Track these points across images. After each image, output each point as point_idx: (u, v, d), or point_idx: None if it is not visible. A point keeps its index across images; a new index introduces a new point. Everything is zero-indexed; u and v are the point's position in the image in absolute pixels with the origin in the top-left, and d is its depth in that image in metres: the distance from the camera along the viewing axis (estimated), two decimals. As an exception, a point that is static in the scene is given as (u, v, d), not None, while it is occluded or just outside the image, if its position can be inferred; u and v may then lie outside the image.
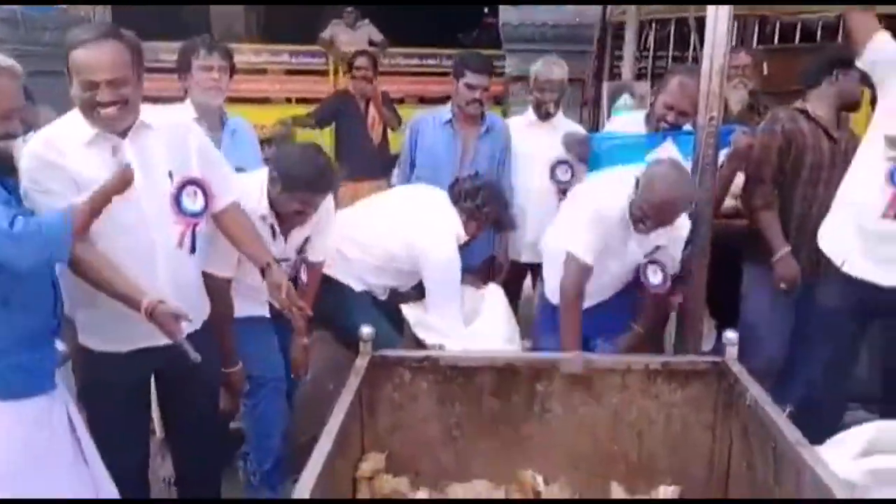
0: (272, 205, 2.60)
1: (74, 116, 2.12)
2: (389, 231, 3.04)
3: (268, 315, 2.78)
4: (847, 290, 2.74)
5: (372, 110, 5.08)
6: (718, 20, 2.29)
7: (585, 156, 3.15)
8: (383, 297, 3.14)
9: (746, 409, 2.19)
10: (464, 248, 3.08)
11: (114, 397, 2.29)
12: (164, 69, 4.48)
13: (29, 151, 2.06)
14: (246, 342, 2.66)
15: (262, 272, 2.41)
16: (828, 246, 2.80)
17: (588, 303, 2.79)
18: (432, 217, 3.05)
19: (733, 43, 5.82)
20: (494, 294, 3.19)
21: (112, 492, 2.22)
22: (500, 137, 3.50)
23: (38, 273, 1.99)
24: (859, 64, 2.71)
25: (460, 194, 3.08)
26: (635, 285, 2.80)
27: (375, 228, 3.06)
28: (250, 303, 2.71)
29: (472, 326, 2.98)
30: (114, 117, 2.09)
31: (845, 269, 2.73)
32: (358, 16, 7.93)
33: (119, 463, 2.28)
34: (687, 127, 2.92)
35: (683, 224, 2.72)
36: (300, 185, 2.54)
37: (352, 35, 7.76)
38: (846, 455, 2.22)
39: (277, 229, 2.66)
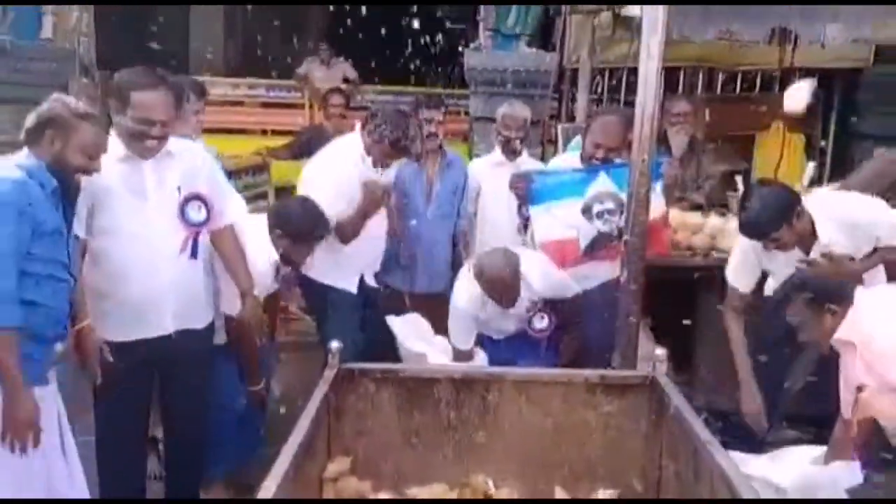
0: (284, 258, 2.95)
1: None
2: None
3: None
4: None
5: None
6: (649, 72, 2.60)
7: (523, 192, 3.42)
8: (372, 283, 3.48)
9: (672, 418, 2.44)
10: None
11: (118, 381, 2.58)
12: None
13: None
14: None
15: (242, 296, 2.78)
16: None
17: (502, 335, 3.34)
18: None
19: (681, 91, 6.27)
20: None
21: (82, 487, 2.46)
22: (460, 172, 3.84)
23: (51, 282, 2.27)
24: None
25: (366, 119, 3.43)
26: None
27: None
28: None
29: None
30: (155, 149, 2.56)
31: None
32: (332, 53, 8.23)
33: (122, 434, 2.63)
34: (619, 160, 3.28)
35: (542, 289, 3.23)
36: (312, 235, 2.97)
37: (326, 72, 8.04)
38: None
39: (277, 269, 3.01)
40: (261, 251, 2.95)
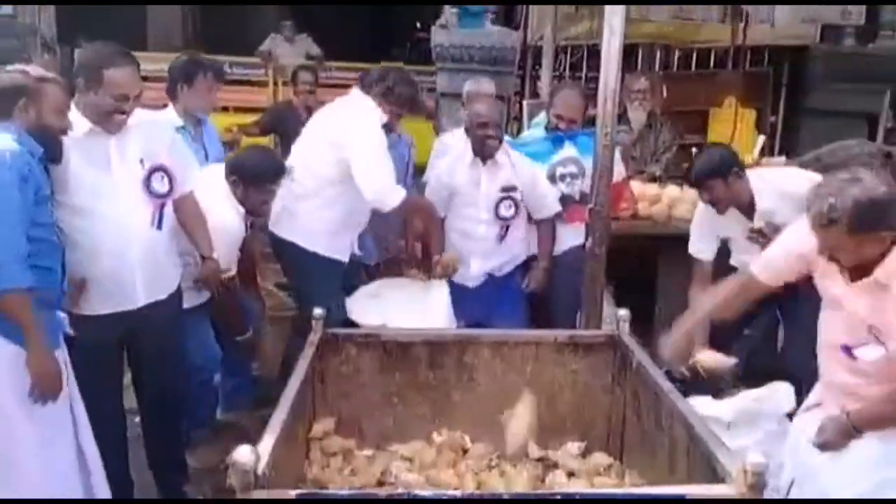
0: (242, 203, 2.99)
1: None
2: (315, 150, 3.39)
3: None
4: None
5: None
6: (612, 50, 2.76)
7: None
8: (345, 261, 3.50)
9: (635, 372, 2.62)
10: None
11: (91, 354, 2.66)
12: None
13: None
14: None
15: (203, 258, 2.91)
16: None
17: (482, 266, 3.52)
18: (347, 111, 3.40)
19: (639, 68, 6.48)
20: (439, 287, 3.52)
21: (89, 437, 2.58)
22: (405, 147, 4.05)
23: (50, 246, 2.39)
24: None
25: (370, 83, 3.38)
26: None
27: (305, 156, 3.43)
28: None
29: (413, 311, 3.36)
30: (123, 123, 2.62)
31: None
32: (296, 30, 8.23)
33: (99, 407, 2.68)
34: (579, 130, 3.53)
35: (522, 164, 3.44)
36: (269, 178, 3.02)
37: (290, 48, 8.03)
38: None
39: (247, 223, 3.08)
40: (230, 202, 3.06)
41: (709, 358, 2.82)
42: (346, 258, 3.52)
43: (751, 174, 3.16)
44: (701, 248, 3.27)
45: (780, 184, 3.12)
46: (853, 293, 2.22)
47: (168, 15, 9.45)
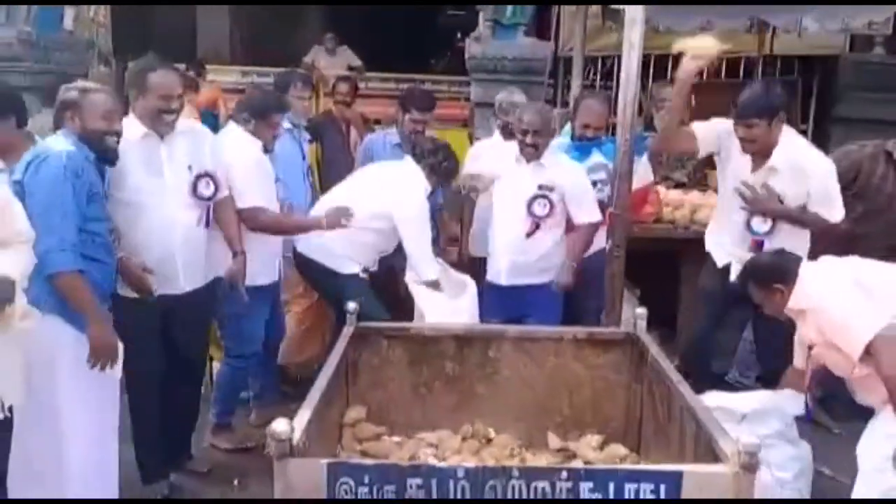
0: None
1: (126, 121, 2.85)
2: (366, 193, 3.62)
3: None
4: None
5: (353, 131, 5.65)
6: (630, 63, 2.91)
7: None
8: (375, 268, 3.71)
9: (651, 368, 2.73)
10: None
11: (135, 333, 2.90)
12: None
13: None
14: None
15: (234, 254, 3.20)
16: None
17: (518, 281, 3.58)
18: (400, 174, 3.65)
19: (669, 77, 6.56)
20: (471, 286, 3.70)
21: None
22: None
23: (100, 241, 2.65)
24: (702, 155, 3.44)
25: (422, 153, 3.66)
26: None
27: (353, 195, 3.63)
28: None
29: (453, 303, 3.54)
30: (173, 124, 2.92)
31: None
32: (337, 42, 8.49)
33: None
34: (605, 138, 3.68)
35: (566, 168, 3.55)
36: (274, 109, 3.39)
37: (331, 60, 8.29)
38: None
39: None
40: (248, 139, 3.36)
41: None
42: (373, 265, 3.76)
43: (787, 131, 3.27)
44: (699, 126, 3.46)
45: (802, 156, 3.27)
46: None
47: (216, 29, 9.84)
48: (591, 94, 4.16)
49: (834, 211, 3.28)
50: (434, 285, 3.51)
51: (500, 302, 3.66)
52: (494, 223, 3.73)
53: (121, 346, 2.68)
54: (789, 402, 2.88)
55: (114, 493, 2.75)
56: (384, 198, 3.57)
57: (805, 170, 3.25)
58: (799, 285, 2.71)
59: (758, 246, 3.26)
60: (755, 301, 2.91)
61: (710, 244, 3.49)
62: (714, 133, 3.38)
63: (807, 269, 2.76)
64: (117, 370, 2.67)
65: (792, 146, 3.28)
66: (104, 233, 2.68)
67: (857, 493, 2.53)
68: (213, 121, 6.25)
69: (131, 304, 2.90)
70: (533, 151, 3.54)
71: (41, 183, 2.49)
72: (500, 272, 3.68)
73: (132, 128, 2.87)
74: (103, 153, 2.67)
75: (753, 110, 3.17)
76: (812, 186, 3.26)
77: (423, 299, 3.50)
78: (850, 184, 3.52)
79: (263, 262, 3.41)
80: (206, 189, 3.03)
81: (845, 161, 3.57)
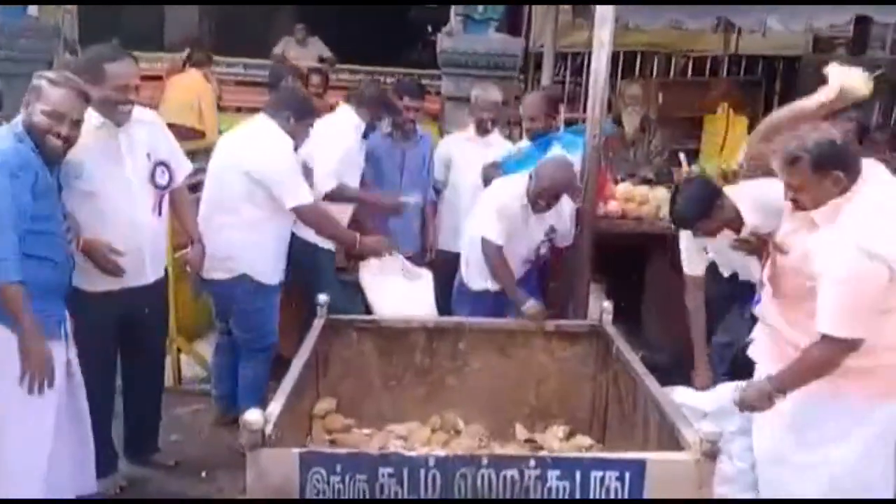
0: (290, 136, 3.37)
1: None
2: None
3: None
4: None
5: None
6: (600, 61, 2.96)
7: (497, 177, 3.74)
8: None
9: (616, 360, 2.80)
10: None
11: (95, 330, 2.88)
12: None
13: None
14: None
15: (192, 241, 3.19)
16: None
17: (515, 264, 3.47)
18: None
19: (638, 74, 6.69)
20: (426, 278, 3.64)
21: (86, 425, 2.77)
22: (427, 146, 4.21)
23: (51, 238, 2.54)
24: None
25: (352, 95, 3.84)
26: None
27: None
28: None
29: (404, 292, 3.48)
30: (130, 113, 2.85)
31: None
32: (308, 33, 8.44)
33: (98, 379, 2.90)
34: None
35: (566, 203, 3.44)
36: (312, 115, 3.48)
37: (302, 51, 8.23)
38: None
39: None
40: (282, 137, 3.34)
41: None
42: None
43: (730, 191, 3.14)
44: (694, 267, 3.30)
45: (761, 196, 3.21)
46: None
47: (185, 18, 9.69)
48: (532, 92, 4.25)
49: None
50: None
51: (481, 303, 3.64)
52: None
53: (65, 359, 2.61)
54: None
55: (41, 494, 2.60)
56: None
57: (775, 203, 2.85)
58: (846, 201, 2.34)
59: None
60: (789, 182, 2.43)
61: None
62: (695, 248, 3.32)
63: (868, 189, 2.36)
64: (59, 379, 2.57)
65: (748, 197, 3.12)
66: (56, 230, 2.57)
67: None
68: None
69: (93, 297, 2.86)
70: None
71: None
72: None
73: (87, 117, 2.73)
74: (42, 151, 2.51)
75: (689, 220, 3.05)
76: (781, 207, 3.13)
77: (374, 292, 3.46)
78: None
79: (277, 261, 3.42)
80: (161, 178, 3.00)
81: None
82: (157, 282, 3.08)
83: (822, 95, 2.95)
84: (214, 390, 3.68)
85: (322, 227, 3.47)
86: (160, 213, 3.03)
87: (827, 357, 2.32)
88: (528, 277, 3.62)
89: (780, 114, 3.16)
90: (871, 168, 2.42)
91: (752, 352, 2.74)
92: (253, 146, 3.29)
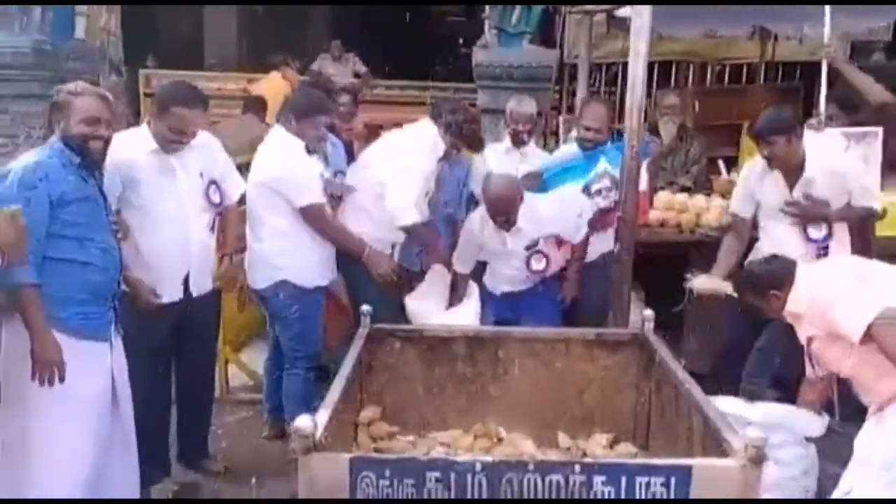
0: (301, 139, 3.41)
1: (141, 131, 2.98)
2: (378, 158, 3.72)
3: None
4: None
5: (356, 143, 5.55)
6: (637, 71, 2.99)
7: (535, 187, 3.80)
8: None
9: (659, 368, 2.79)
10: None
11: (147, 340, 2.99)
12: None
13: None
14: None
15: (229, 257, 3.31)
16: None
17: (513, 288, 3.66)
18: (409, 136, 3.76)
19: (673, 83, 6.67)
20: (473, 296, 3.76)
21: (130, 435, 2.82)
22: (465, 164, 4.22)
23: (105, 244, 2.65)
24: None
25: (440, 111, 3.71)
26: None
27: (369, 164, 3.75)
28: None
29: (455, 310, 3.63)
30: (179, 149, 3.00)
31: None
32: (343, 49, 8.59)
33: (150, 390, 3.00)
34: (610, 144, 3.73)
35: (541, 209, 3.52)
36: (317, 110, 3.45)
37: (338, 67, 8.39)
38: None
39: None
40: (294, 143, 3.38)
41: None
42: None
43: (809, 141, 3.42)
44: (740, 206, 3.60)
45: (832, 160, 3.45)
46: None
47: (223, 37, 9.94)
48: (594, 99, 4.24)
49: (875, 201, 3.47)
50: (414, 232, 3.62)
51: (494, 306, 3.74)
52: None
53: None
54: (806, 422, 2.93)
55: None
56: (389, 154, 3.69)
57: (838, 172, 3.41)
58: (794, 289, 2.77)
59: (821, 252, 3.40)
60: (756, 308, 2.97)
61: None
62: (748, 191, 3.58)
63: (803, 271, 2.82)
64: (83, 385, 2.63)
65: (819, 154, 3.44)
66: (96, 236, 2.63)
67: (860, 487, 2.58)
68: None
69: (145, 309, 2.96)
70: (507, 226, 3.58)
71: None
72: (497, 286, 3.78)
73: (144, 138, 2.95)
74: (87, 157, 2.62)
75: (770, 131, 3.37)
76: (850, 185, 3.41)
77: (419, 318, 3.55)
78: None
79: (322, 262, 3.48)
80: (214, 196, 3.12)
81: None
82: (208, 294, 3.18)
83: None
84: (267, 403, 3.74)
85: (328, 231, 3.45)
86: (213, 231, 3.16)
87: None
88: (547, 285, 3.70)
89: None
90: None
91: None
92: (265, 156, 3.39)
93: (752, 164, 3.60)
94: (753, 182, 3.54)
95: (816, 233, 3.41)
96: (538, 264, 3.58)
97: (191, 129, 2.97)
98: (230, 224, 3.32)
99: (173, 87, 3.11)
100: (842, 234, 3.44)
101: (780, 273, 2.84)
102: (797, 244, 3.40)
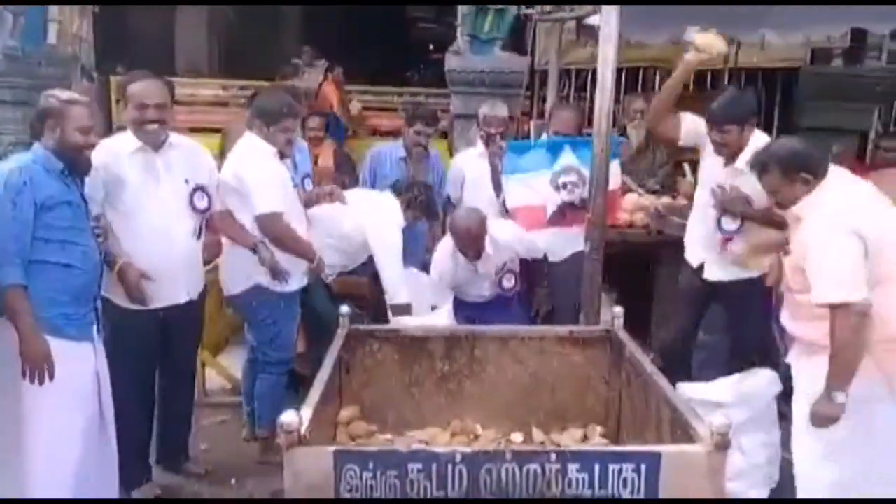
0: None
1: (125, 135, 3.01)
2: (347, 218, 3.83)
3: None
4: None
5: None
6: (605, 76, 3.09)
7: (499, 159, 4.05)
8: (331, 279, 3.89)
9: (628, 363, 2.89)
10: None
11: (133, 343, 3.05)
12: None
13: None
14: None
15: (255, 247, 3.36)
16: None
17: (482, 297, 3.84)
18: (379, 206, 3.86)
19: (640, 89, 6.84)
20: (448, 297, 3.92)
21: (111, 438, 2.87)
22: (437, 165, 4.43)
23: (87, 246, 2.70)
24: (683, 144, 3.59)
25: (401, 188, 3.94)
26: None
27: (335, 217, 3.84)
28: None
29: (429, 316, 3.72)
30: (157, 133, 2.99)
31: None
32: (315, 55, 8.59)
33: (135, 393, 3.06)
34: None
35: (502, 235, 3.73)
36: (285, 114, 3.44)
37: (309, 72, 8.40)
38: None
39: None
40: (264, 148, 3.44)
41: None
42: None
43: (757, 135, 3.39)
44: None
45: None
46: None
47: (194, 43, 9.91)
48: (564, 105, 4.36)
49: None
50: (403, 310, 3.69)
51: (467, 312, 3.90)
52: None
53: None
54: (766, 382, 3.04)
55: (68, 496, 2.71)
56: (361, 221, 3.81)
57: None
58: (819, 191, 2.60)
59: (725, 243, 3.44)
60: (765, 187, 2.77)
61: (687, 244, 3.68)
62: (700, 129, 3.53)
63: (836, 179, 2.64)
64: (77, 380, 2.70)
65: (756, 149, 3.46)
66: (79, 240, 2.69)
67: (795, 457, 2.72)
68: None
69: (129, 313, 3.00)
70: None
71: None
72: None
73: (127, 141, 2.99)
74: (78, 165, 2.69)
75: (725, 117, 3.33)
76: None
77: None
78: None
79: (295, 267, 3.52)
80: (200, 201, 3.15)
81: None
82: (192, 302, 3.22)
83: (689, 55, 3.38)
84: (246, 406, 3.78)
85: (282, 240, 3.46)
86: (199, 237, 3.18)
87: (845, 329, 2.44)
88: (511, 295, 3.90)
89: (662, 94, 3.62)
90: (837, 170, 2.68)
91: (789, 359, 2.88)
92: (233, 162, 3.42)
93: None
94: (704, 132, 3.47)
95: (729, 224, 3.45)
96: (509, 283, 3.83)
97: (150, 100, 2.97)
98: (225, 227, 3.39)
99: (129, 75, 3.18)
100: (754, 232, 3.42)
101: (823, 160, 2.64)
102: (710, 226, 3.50)
